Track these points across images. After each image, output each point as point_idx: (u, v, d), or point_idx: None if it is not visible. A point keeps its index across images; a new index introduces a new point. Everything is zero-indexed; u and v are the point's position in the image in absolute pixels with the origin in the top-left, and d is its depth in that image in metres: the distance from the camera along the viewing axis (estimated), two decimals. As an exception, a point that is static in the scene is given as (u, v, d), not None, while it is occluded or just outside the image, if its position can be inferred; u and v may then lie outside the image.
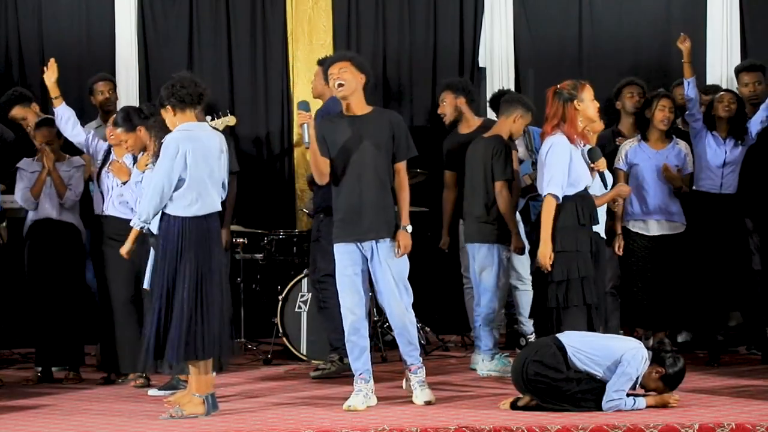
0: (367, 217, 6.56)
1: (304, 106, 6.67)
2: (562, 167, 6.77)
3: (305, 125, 6.54)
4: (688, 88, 8.16)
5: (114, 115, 7.79)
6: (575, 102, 6.82)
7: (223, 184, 6.55)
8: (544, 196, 6.79)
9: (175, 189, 6.34)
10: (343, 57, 6.76)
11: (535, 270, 6.92)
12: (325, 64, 6.92)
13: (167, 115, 6.49)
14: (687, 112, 8.27)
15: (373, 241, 6.58)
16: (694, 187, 8.22)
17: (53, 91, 7.84)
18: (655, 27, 10.19)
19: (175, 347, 6.26)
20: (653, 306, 8.17)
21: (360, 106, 6.69)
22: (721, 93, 8.34)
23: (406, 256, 6.62)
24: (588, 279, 6.76)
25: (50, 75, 7.83)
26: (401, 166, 6.69)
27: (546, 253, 6.72)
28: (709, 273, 8.06)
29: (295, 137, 9.99)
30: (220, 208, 6.55)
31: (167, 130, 6.59)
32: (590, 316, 6.79)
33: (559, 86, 6.89)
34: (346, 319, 6.66)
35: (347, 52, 6.98)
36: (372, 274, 6.64)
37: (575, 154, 6.83)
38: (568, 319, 6.73)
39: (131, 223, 6.54)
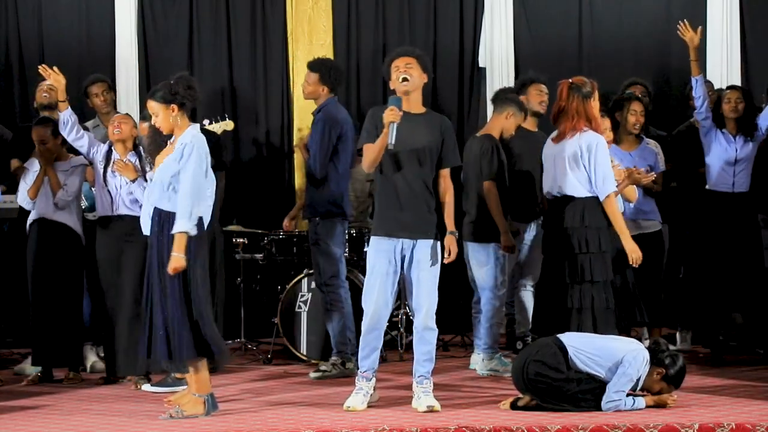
0: (408, 215, 6.51)
1: (398, 102, 6.46)
2: (609, 165, 6.85)
3: (393, 124, 6.39)
4: (696, 87, 8.13)
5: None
6: (592, 99, 6.86)
7: None
8: (607, 195, 6.81)
9: None
10: (412, 53, 6.66)
11: (552, 270, 6.94)
12: (389, 55, 6.77)
13: (167, 112, 6.42)
14: (696, 111, 8.25)
15: (413, 240, 6.53)
16: (707, 187, 8.21)
17: (62, 95, 7.72)
18: (655, 27, 10.19)
19: (179, 346, 6.29)
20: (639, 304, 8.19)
21: (416, 105, 6.62)
22: (728, 92, 8.29)
23: (438, 264, 6.59)
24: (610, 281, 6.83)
25: (60, 79, 7.61)
26: (446, 172, 6.63)
27: (633, 247, 6.80)
28: (721, 273, 8.04)
29: (295, 139, 9.98)
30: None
31: (161, 134, 6.58)
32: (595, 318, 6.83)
33: (572, 81, 6.89)
34: (366, 315, 6.58)
35: (415, 48, 6.83)
36: (405, 274, 6.59)
37: None
38: (607, 319, 6.76)
39: (183, 230, 6.30)
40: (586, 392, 6.32)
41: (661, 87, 10.01)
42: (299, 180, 9.95)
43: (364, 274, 6.80)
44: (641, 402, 6.35)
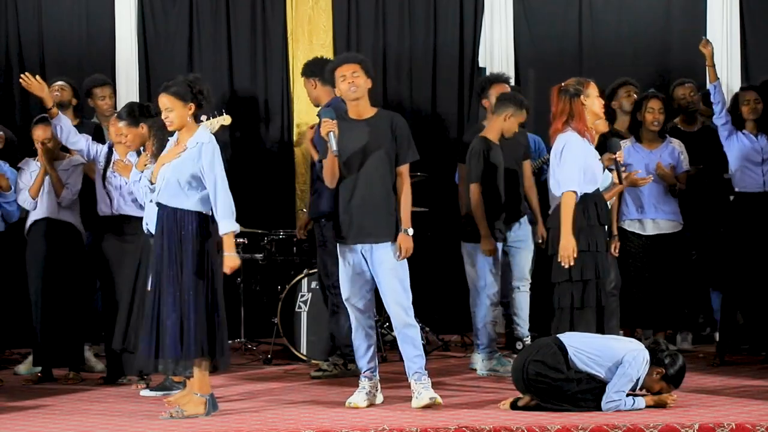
0: (367, 219, 6.57)
1: (329, 113, 6.62)
2: (579, 164, 6.75)
3: (331, 133, 6.51)
4: (714, 93, 8.12)
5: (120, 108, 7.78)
6: (581, 97, 6.82)
7: None
8: (563, 193, 6.74)
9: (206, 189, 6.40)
10: (354, 59, 6.74)
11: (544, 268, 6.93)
12: (332, 63, 6.88)
13: (185, 110, 6.41)
14: (714, 116, 8.22)
15: (373, 244, 6.58)
16: (736, 189, 8.18)
17: (48, 101, 7.73)
18: (655, 27, 10.19)
19: (219, 344, 6.35)
20: (652, 306, 8.17)
21: (366, 109, 6.70)
22: (744, 94, 8.24)
23: (405, 259, 6.62)
24: (602, 280, 6.77)
25: (41, 87, 7.67)
26: (403, 169, 6.67)
27: (569, 246, 6.65)
28: (754, 273, 7.99)
29: (295, 138, 9.99)
30: None
31: (167, 132, 6.58)
32: (600, 317, 6.80)
33: (563, 84, 6.88)
34: (351, 315, 6.70)
35: (356, 54, 6.93)
36: (374, 276, 6.64)
37: (588, 151, 6.82)
38: (583, 319, 6.73)
39: (232, 229, 6.36)
40: (586, 392, 6.32)
41: (661, 87, 10.00)
42: (299, 180, 9.95)
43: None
44: (641, 402, 6.35)
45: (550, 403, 6.30)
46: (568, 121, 6.81)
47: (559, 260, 6.69)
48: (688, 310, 8.82)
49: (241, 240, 8.96)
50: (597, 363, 6.35)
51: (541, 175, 8.80)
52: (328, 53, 9.91)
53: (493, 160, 7.76)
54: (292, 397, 7.07)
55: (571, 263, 6.65)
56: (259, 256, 9.01)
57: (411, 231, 6.60)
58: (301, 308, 8.47)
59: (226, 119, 8.08)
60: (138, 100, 9.57)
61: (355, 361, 6.95)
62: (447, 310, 9.59)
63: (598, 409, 6.27)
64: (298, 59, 9.94)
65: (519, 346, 8.19)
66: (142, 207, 7.47)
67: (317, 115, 7.79)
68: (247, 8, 10.06)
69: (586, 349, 6.38)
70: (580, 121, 6.80)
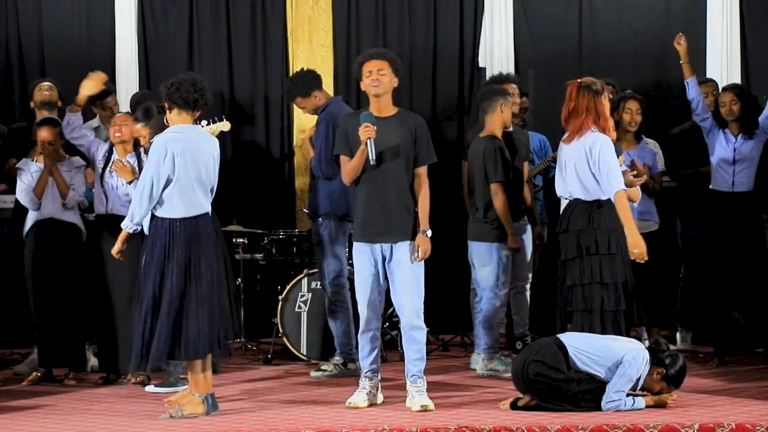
0: (385, 219, 6.54)
1: (370, 117, 6.53)
2: (615, 163, 6.80)
3: (370, 140, 6.47)
4: (688, 89, 8.12)
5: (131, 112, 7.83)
6: (603, 97, 6.85)
7: (212, 188, 6.56)
8: (616, 192, 6.75)
9: (163, 190, 6.37)
10: (384, 56, 6.67)
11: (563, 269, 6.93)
12: (361, 56, 6.77)
13: (167, 109, 6.53)
14: (693, 113, 8.23)
15: (393, 243, 6.56)
16: (710, 186, 8.20)
17: (82, 99, 7.82)
18: (655, 27, 10.19)
19: (160, 348, 6.28)
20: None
21: (387, 108, 6.66)
22: (721, 95, 8.23)
23: (423, 261, 6.59)
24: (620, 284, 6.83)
25: (93, 86, 7.82)
26: (422, 171, 6.64)
27: (641, 243, 6.69)
28: (723, 273, 8.01)
29: (295, 139, 9.98)
30: (208, 210, 6.52)
31: (163, 130, 6.60)
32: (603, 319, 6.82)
33: (581, 81, 6.88)
34: (361, 316, 6.67)
35: (387, 51, 6.82)
36: (388, 275, 6.62)
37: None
38: (613, 321, 6.76)
39: (122, 225, 6.50)
40: (586, 392, 6.32)
41: (661, 87, 10.02)
42: (299, 180, 9.95)
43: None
44: (641, 402, 6.35)
45: (550, 403, 6.31)
46: (597, 120, 6.82)
47: (635, 258, 6.71)
48: (690, 308, 8.83)
49: (241, 240, 8.96)
50: (597, 363, 6.35)
51: (548, 173, 8.83)
52: (328, 53, 9.93)
53: (506, 157, 7.77)
54: (292, 397, 7.07)
55: (646, 258, 6.69)
56: (259, 256, 9.00)
57: (429, 232, 6.58)
58: (301, 308, 8.46)
59: (225, 125, 8.09)
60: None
61: (355, 361, 6.95)
62: (447, 310, 9.58)
63: (598, 409, 6.27)
64: (298, 59, 9.94)
65: (519, 346, 8.19)
66: None
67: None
68: (247, 8, 10.07)
69: (586, 349, 6.38)
70: (606, 121, 6.83)
